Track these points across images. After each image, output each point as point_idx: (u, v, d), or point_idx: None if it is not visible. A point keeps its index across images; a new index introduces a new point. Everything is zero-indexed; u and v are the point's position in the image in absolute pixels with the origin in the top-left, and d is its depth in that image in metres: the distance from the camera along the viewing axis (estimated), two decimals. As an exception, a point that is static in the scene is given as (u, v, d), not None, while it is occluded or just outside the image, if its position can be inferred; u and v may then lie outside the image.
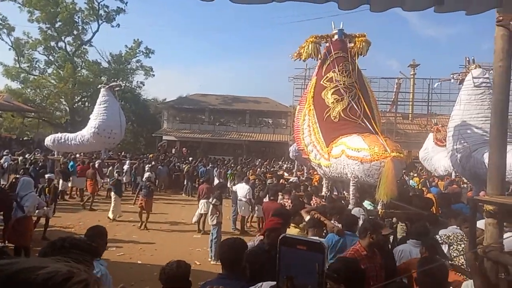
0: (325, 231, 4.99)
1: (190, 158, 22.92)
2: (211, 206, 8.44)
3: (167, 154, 26.32)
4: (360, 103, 7.46)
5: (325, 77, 8.02)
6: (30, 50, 33.46)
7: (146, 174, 11.19)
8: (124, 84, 27.81)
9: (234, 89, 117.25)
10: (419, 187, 12.60)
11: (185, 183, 17.55)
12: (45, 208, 8.12)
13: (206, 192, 9.99)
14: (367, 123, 7.22)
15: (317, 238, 4.18)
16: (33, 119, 34.82)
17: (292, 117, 30.68)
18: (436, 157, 15.00)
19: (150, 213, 10.32)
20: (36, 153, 18.01)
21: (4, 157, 14.27)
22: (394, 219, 6.86)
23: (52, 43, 33.52)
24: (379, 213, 6.28)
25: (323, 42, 8.40)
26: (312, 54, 8.21)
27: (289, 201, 7.08)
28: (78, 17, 33.37)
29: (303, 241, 1.17)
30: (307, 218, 5.13)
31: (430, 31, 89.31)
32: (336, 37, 8.30)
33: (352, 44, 8.23)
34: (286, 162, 22.52)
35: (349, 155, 6.56)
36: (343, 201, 7.63)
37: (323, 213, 5.60)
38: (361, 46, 8.00)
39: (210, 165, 19.25)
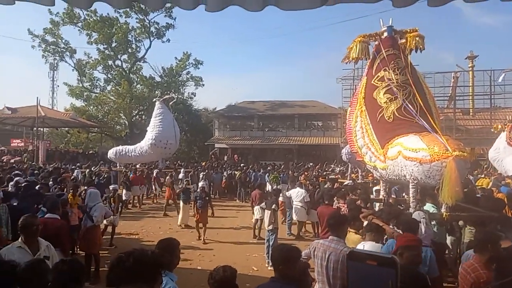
0: (385, 237, 4.82)
1: (242, 165, 23.29)
2: (266, 211, 8.49)
3: (220, 162, 26.96)
4: (416, 101, 7.10)
5: (376, 76, 7.75)
6: (90, 69, 36.24)
7: (200, 184, 10.81)
8: (176, 96, 29.04)
9: (280, 95, 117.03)
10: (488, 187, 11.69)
11: (238, 189, 17.91)
12: (111, 216, 8.69)
13: (258, 198, 10.14)
14: (424, 121, 6.87)
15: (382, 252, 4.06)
16: (96, 133, 37.52)
17: (342, 118, 30.00)
18: (508, 159, 13.72)
19: (206, 224, 9.90)
20: (101, 166, 19.35)
21: (76, 170, 15.48)
22: (461, 222, 6.45)
23: (110, 62, 36.02)
24: (443, 216, 5.93)
25: (372, 41, 8.14)
26: (360, 54, 7.99)
27: (345, 205, 6.93)
28: (132, 35, 35.50)
29: (373, 256, 1.11)
30: (366, 223, 4.99)
31: (487, 19, 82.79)
32: (385, 34, 7.99)
33: (404, 40, 7.90)
34: (339, 165, 22.02)
35: (407, 156, 6.27)
36: (402, 205, 7.32)
37: (381, 217, 5.42)
38: (414, 42, 7.65)
39: (262, 171, 19.41)
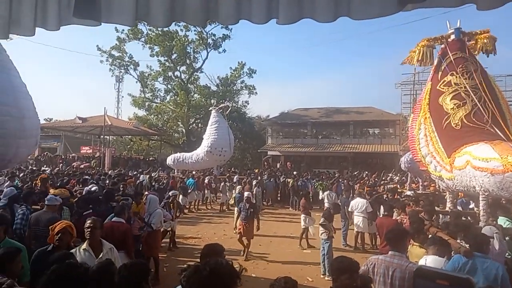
0: (452, 252, 4.49)
1: (295, 172, 23.12)
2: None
3: (272, 169, 27.02)
4: (487, 106, 6.56)
5: (441, 81, 7.29)
6: (152, 81, 38.37)
7: (246, 194, 9.89)
8: (231, 105, 29.78)
9: (335, 102, 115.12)
10: None
11: (291, 197, 17.78)
12: (170, 221, 9.02)
13: (303, 207, 10.22)
14: (496, 128, 6.33)
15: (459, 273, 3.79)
16: (156, 141, 39.62)
17: (400, 125, 28.68)
18: None
19: (251, 239, 9.03)
20: (159, 172, 20.30)
21: (141, 176, 16.35)
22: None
23: (170, 73, 37.83)
24: (520, 232, 5.40)
25: (437, 44, 7.69)
26: (424, 59, 7.58)
27: (407, 217, 6.56)
28: (190, 47, 37.00)
29: (445, 275, 1.01)
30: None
31: None
32: (452, 37, 7.53)
33: (473, 42, 7.37)
34: (398, 174, 20.99)
35: (476, 166, 5.81)
36: (468, 217, 6.80)
37: (447, 230, 5.06)
38: (484, 43, 7.11)
39: (315, 179, 19.10)
